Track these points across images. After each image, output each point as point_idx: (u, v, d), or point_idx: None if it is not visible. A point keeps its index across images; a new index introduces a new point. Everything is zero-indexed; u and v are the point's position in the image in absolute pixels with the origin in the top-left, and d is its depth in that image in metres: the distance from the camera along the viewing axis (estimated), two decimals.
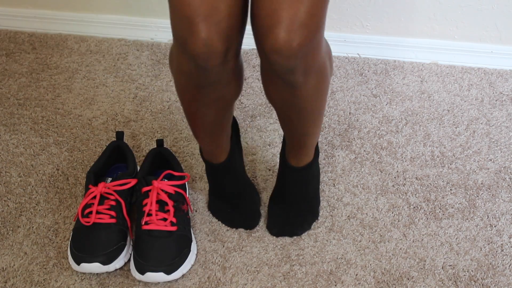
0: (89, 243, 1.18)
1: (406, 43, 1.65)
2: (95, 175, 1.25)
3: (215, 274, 1.19)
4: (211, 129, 1.16)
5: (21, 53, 1.71)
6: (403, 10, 1.61)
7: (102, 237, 1.18)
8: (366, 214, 1.29)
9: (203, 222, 1.28)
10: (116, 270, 1.20)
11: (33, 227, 1.28)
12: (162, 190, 1.20)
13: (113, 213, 1.20)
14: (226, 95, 1.08)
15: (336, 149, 1.42)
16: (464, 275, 1.19)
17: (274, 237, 1.25)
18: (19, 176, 1.39)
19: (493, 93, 1.55)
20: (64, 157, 1.42)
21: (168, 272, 1.15)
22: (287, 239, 1.25)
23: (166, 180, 1.25)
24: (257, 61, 1.67)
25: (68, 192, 1.35)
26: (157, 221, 1.18)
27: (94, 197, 1.21)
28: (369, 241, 1.24)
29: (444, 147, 1.42)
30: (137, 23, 1.75)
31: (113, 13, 1.76)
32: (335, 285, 1.18)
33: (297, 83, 1.00)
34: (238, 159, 1.28)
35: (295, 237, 1.25)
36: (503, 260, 1.21)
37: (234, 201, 1.28)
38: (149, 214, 1.18)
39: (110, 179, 1.25)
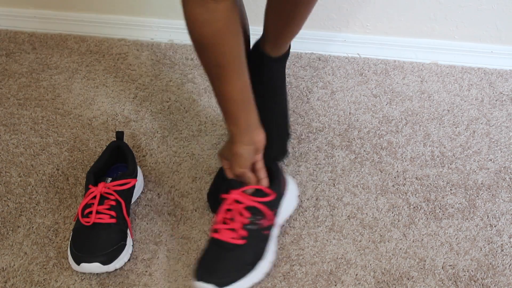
0: (89, 243, 1.18)
1: (406, 43, 1.65)
2: (95, 175, 1.25)
3: None
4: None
5: (21, 53, 1.71)
6: (403, 10, 1.61)
7: (102, 237, 1.18)
8: (366, 214, 1.29)
9: (203, 222, 1.28)
10: (116, 270, 1.20)
11: (33, 227, 1.28)
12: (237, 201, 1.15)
13: (113, 213, 1.20)
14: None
15: (336, 149, 1.42)
16: (464, 275, 1.19)
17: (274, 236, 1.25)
18: (19, 176, 1.39)
19: (493, 93, 1.55)
20: (64, 157, 1.42)
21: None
22: (287, 239, 1.25)
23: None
24: None
25: (68, 192, 1.35)
26: (225, 231, 1.13)
27: (94, 197, 1.21)
28: (369, 241, 1.24)
29: (444, 147, 1.42)
30: (137, 23, 1.75)
31: (113, 13, 1.76)
32: (335, 285, 1.18)
33: None
34: None
35: (295, 236, 1.25)
36: (503, 260, 1.21)
37: None
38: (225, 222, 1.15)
39: (110, 179, 1.25)
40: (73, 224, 1.28)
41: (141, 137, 1.46)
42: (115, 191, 1.22)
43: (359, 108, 1.52)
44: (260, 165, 1.16)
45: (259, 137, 1.13)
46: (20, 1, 1.79)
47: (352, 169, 1.38)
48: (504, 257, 1.21)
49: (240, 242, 1.12)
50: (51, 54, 1.71)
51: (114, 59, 1.68)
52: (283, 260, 1.21)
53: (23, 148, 1.45)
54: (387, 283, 1.18)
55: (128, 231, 1.23)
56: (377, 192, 1.33)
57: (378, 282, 1.18)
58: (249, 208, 1.14)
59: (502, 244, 1.23)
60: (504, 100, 1.53)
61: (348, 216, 1.29)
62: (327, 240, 1.25)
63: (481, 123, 1.47)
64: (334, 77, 1.60)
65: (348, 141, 1.44)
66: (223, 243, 1.13)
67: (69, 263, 1.21)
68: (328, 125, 1.47)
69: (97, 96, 1.58)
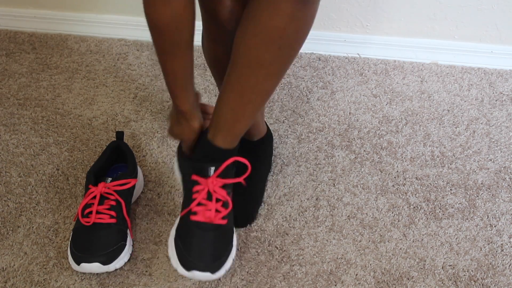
0: (89, 243, 1.18)
1: (406, 43, 1.65)
2: (95, 175, 1.25)
3: None
4: None
5: (21, 53, 1.71)
6: (403, 10, 1.61)
7: (102, 237, 1.18)
8: (366, 214, 1.29)
9: None
10: (116, 270, 1.20)
11: (33, 227, 1.28)
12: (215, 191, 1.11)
13: (113, 213, 1.20)
14: None
15: (336, 149, 1.42)
16: (464, 275, 1.19)
17: (273, 237, 1.25)
18: (19, 176, 1.39)
19: (493, 93, 1.55)
20: (64, 157, 1.43)
21: (214, 270, 1.09)
22: (286, 239, 1.25)
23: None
24: None
25: (68, 192, 1.35)
26: (209, 212, 1.10)
27: (94, 197, 1.21)
28: (369, 241, 1.25)
29: (444, 147, 1.42)
30: (137, 23, 1.75)
31: (113, 13, 1.76)
32: (335, 285, 1.18)
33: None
34: None
35: (295, 236, 1.25)
36: (503, 260, 1.21)
37: None
38: (200, 204, 1.11)
39: (110, 179, 1.25)
40: (73, 224, 1.28)
41: (141, 137, 1.46)
42: (115, 191, 1.22)
43: (359, 108, 1.52)
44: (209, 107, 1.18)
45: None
46: (20, 1, 1.79)
47: (352, 169, 1.38)
48: (504, 257, 1.21)
49: (223, 222, 1.11)
50: (51, 54, 1.71)
51: (114, 59, 1.68)
52: (283, 260, 1.22)
53: (23, 148, 1.45)
54: (387, 283, 1.18)
55: (128, 231, 1.23)
56: (377, 192, 1.33)
57: (378, 282, 1.18)
58: (223, 187, 1.12)
59: (502, 244, 1.23)
60: (504, 100, 1.53)
61: (348, 216, 1.29)
62: (327, 240, 1.25)
63: (481, 123, 1.47)
64: (334, 77, 1.60)
65: (348, 141, 1.44)
66: (207, 226, 1.10)
67: (69, 263, 1.21)
68: (328, 125, 1.47)
69: (97, 96, 1.58)
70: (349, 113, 1.51)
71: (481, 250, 1.23)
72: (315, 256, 1.22)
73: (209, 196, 1.10)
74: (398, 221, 1.28)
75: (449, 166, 1.38)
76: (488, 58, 1.63)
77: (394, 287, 1.17)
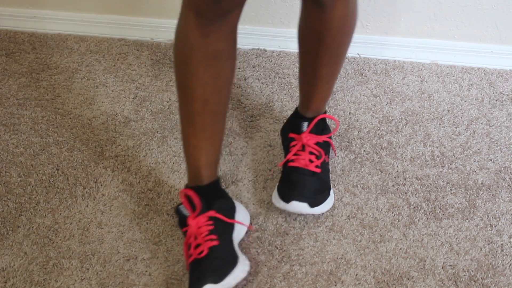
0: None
1: (406, 43, 1.65)
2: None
3: None
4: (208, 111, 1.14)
5: (21, 53, 1.71)
6: (403, 10, 1.61)
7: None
8: (366, 214, 1.29)
9: None
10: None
11: (33, 227, 1.29)
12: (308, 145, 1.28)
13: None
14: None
15: (336, 149, 1.42)
16: (464, 275, 1.19)
17: (273, 237, 1.25)
18: (19, 176, 1.39)
19: (493, 93, 1.55)
20: (64, 157, 1.43)
21: (312, 205, 1.23)
22: (286, 239, 1.25)
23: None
24: (257, 61, 1.67)
25: (68, 192, 1.35)
26: (303, 161, 1.27)
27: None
28: (369, 241, 1.25)
29: (444, 147, 1.42)
30: (137, 23, 1.75)
31: (113, 13, 1.76)
32: (335, 285, 1.18)
33: (326, 5, 1.09)
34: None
35: (295, 236, 1.25)
36: (503, 260, 1.21)
37: None
38: (296, 154, 1.28)
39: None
40: (73, 224, 1.28)
41: (141, 137, 1.46)
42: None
43: (359, 108, 1.52)
44: None
45: None
46: (20, 1, 1.79)
47: (352, 169, 1.38)
48: (504, 257, 1.21)
49: (317, 170, 1.26)
50: (51, 54, 1.71)
51: (114, 59, 1.68)
52: (283, 260, 1.22)
53: (23, 148, 1.45)
54: (387, 283, 1.18)
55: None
56: (377, 192, 1.33)
57: (378, 282, 1.18)
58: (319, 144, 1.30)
59: (502, 244, 1.23)
60: (504, 100, 1.53)
61: (348, 216, 1.29)
62: (327, 240, 1.25)
63: (481, 123, 1.47)
64: None
65: (348, 141, 1.44)
66: (304, 170, 1.25)
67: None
68: (328, 125, 1.47)
69: (97, 96, 1.58)
70: (349, 113, 1.51)
71: (481, 250, 1.23)
72: (315, 256, 1.22)
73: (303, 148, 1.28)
74: (398, 221, 1.28)
75: (449, 166, 1.38)
76: (488, 58, 1.63)
77: (394, 287, 1.17)
